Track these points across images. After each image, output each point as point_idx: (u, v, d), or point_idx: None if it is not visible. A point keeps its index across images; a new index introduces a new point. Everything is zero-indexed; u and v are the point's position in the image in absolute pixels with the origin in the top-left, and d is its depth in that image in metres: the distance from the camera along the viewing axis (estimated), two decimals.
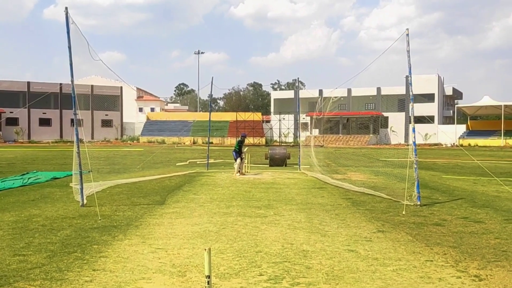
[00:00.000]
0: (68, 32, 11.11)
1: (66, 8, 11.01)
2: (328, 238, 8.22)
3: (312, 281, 5.82)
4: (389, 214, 10.68)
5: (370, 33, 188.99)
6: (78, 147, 11.54)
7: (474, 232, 8.74)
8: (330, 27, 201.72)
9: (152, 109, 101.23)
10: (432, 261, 6.73)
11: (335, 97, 58.24)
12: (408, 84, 12.60)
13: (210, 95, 25.73)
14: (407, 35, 12.38)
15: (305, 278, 5.92)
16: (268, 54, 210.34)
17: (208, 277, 3.50)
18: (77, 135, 11.56)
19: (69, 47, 11.17)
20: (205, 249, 3.52)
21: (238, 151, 20.61)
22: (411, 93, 12.40)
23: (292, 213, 10.72)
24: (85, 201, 11.57)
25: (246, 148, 20.15)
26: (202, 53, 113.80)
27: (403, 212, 10.69)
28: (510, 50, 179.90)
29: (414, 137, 12.08)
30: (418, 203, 11.79)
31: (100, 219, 9.69)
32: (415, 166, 12.00)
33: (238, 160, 20.32)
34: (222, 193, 14.35)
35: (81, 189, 11.54)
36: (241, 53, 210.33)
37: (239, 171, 20.20)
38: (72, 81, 11.24)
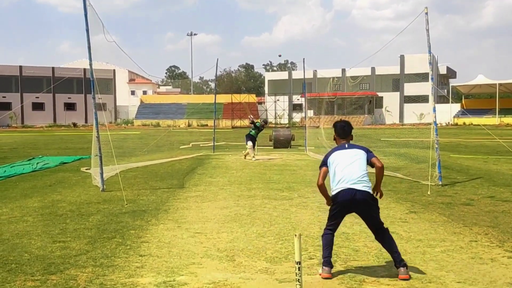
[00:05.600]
0: (85, 15, 10.89)
1: None
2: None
3: (364, 264, 5.78)
4: (414, 194, 10.66)
5: (363, 13, 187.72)
6: (97, 131, 11.41)
7: (506, 211, 8.74)
8: (325, 8, 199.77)
9: (145, 92, 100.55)
10: (476, 241, 6.71)
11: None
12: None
13: (215, 77, 25.58)
14: (426, 13, 12.24)
15: (357, 261, 5.89)
16: (261, 34, 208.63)
17: (299, 263, 3.43)
18: (96, 119, 11.41)
19: (87, 30, 10.96)
20: (295, 235, 3.44)
21: (252, 136, 19.23)
22: (430, 73, 12.33)
23: (316, 195, 10.60)
24: (104, 186, 11.46)
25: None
26: (195, 34, 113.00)
27: (428, 193, 10.65)
28: (502, 28, 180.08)
29: (435, 117, 11.99)
30: (440, 183, 11.76)
31: (126, 204, 9.59)
32: (436, 146, 11.96)
33: (250, 143, 18.91)
34: (238, 175, 14.27)
35: (101, 173, 11.41)
36: (234, 34, 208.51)
37: (253, 155, 18.94)
38: (90, 64, 11.07)
